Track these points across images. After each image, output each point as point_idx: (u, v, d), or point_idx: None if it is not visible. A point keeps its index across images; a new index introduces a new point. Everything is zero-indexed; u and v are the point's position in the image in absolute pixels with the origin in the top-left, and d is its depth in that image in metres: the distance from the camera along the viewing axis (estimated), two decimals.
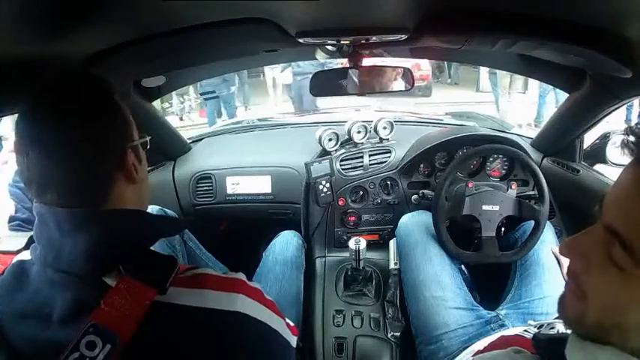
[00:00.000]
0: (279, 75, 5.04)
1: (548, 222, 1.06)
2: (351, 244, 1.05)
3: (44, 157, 0.46)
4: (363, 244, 1.05)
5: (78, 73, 0.55)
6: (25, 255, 0.52)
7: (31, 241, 0.50)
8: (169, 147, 1.36)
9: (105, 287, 0.45)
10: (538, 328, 0.67)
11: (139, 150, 0.55)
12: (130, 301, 0.44)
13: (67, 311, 0.45)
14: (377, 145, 1.31)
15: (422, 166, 1.28)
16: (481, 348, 0.73)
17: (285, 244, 1.15)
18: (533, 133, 1.34)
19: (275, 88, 5.51)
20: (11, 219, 1.06)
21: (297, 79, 4.23)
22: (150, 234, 0.53)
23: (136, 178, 0.53)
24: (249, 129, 1.76)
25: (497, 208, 1.05)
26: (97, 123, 0.50)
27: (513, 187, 1.08)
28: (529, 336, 0.63)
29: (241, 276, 0.55)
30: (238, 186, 1.35)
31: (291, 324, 0.63)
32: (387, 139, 1.30)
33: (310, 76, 0.94)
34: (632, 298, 0.33)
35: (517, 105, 4.28)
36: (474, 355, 0.67)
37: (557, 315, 0.72)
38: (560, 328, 0.63)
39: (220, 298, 0.49)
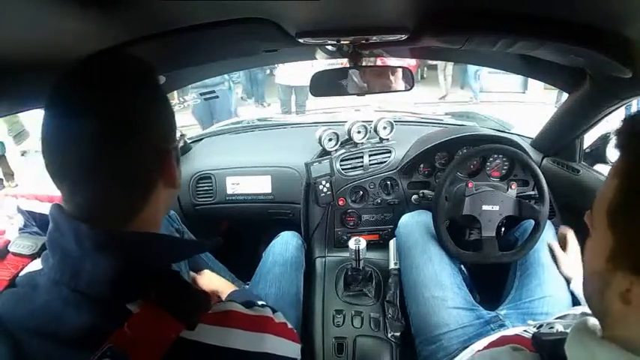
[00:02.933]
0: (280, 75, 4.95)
1: (548, 222, 1.06)
2: (351, 244, 1.06)
3: (77, 155, 0.42)
4: (363, 244, 1.05)
5: (120, 55, 0.48)
6: (36, 264, 0.48)
7: (44, 247, 0.46)
8: None
9: (127, 314, 0.41)
10: (537, 328, 0.67)
11: (178, 150, 0.51)
12: (154, 331, 0.41)
13: (82, 333, 0.41)
14: (377, 145, 1.31)
15: (422, 166, 1.28)
16: (481, 348, 0.73)
17: (285, 244, 1.15)
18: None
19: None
20: (21, 230, 1.03)
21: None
22: (177, 258, 0.50)
23: (176, 183, 0.49)
24: (249, 129, 1.75)
25: (497, 208, 1.05)
26: (145, 117, 0.44)
27: (513, 187, 1.08)
28: (528, 336, 0.63)
29: (268, 312, 0.53)
30: (238, 186, 1.35)
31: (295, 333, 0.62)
32: (387, 139, 1.30)
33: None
34: (592, 248, 0.41)
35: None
36: (473, 354, 0.67)
37: (556, 315, 0.72)
38: (560, 327, 0.63)
39: (248, 339, 0.47)
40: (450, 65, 6.19)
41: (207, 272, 0.98)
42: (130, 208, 0.45)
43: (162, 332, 0.41)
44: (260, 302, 0.57)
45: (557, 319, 0.70)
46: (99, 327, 0.41)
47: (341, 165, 1.28)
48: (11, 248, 0.54)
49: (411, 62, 5.87)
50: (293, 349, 0.56)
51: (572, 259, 1.00)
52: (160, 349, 0.41)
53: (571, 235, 1.04)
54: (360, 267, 1.10)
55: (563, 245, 1.04)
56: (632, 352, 0.35)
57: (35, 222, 0.66)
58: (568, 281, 0.97)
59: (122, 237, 0.44)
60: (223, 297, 0.89)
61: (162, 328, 0.41)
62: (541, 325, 0.66)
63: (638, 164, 0.36)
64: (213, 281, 0.96)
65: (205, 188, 1.36)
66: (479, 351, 0.66)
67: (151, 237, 0.46)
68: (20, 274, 0.49)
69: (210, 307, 0.46)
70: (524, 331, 0.68)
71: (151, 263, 0.45)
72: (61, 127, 0.42)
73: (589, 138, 1.16)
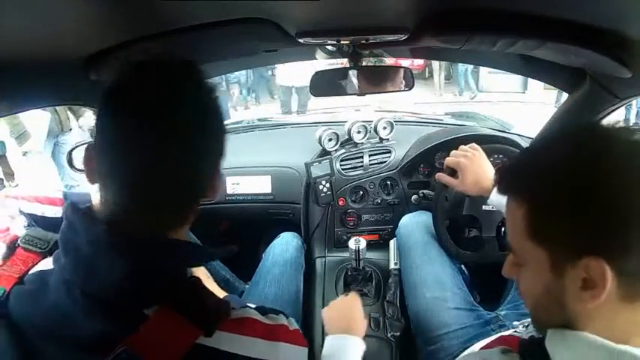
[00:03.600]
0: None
1: None
2: (351, 243, 1.05)
3: (126, 160, 0.42)
4: (362, 243, 1.05)
5: (181, 64, 0.46)
6: (47, 263, 0.47)
7: (56, 245, 0.46)
8: None
9: (143, 319, 0.41)
10: (525, 327, 0.67)
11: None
12: (170, 336, 0.40)
13: (93, 336, 0.40)
14: (377, 145, 1.31)
15: (422, 166, 1.28)
16: (478, 349, 0.73)
17: (285, 244, 1.15)
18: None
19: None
20: (26, 227, 1.02)
21: None
22: (192, 264, 0.50)
23: (215, 196, 0.49)
24: (249, 129, 1.75)
25: (496, 208, 1.05)
26: (201, 134, 0.44)
27: None
28: (521, 331, 0.63)
29: (282, 319, 0.53)
30: (238, 186, 1.35)
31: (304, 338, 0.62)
32: (387, 139, 1.30)
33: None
34: (532, 276, 0.43)
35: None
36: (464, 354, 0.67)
37: None
38: None
39: (264, 348, 0.47)
40: (443, 64, 6.31)
41: (198, 273, 0.98)
42: (171, 221, 0.46)
43: (178, 337, 0.41)
44: (270, 307, 0.57)
45: None
46: (110, 331, 0.40)
47: (341, 165, 1.28)
48: (21, 243, 0.53)
49: (418, 61, 5.95)
50: (303, 353, 0.56)
51: (472, 177, 0.92)
52: (175, 354, 0.40)
53: (463, 157, 0.94)
54: (360, 267, 1.10)
55: (455, 171, 0.95)
56: (609, 339, 0.36)
57: (37, 225, 0.65)
58: (485, 199, 0.91)
59: (137, 240, 0.43)
60: None
61: (178, 333, 0.41)
62: (526, 325, 0.67)
63: (538, 194, 0.40)
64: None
65: None
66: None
67: (168, 242, 0.46)
68: (30, 271, 0.48)
69: (229, 314, 0.46)
70: (515, 331, 0.68)
71: (167, 269, 0.45)
72: (113, 128, 0.42)
73: None
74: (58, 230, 0.45)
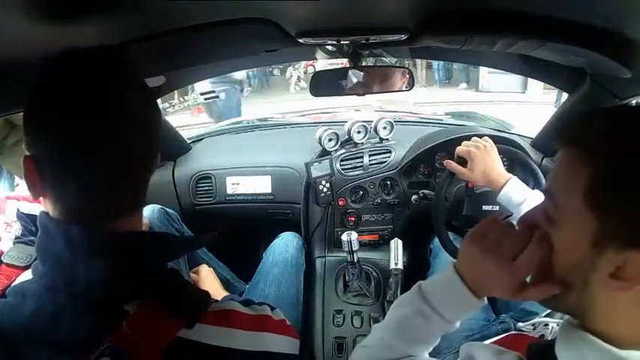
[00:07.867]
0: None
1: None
2: (344, 237, 1.05)
3: (64, 162, 0.41)
4: (354, 235, 1.05)
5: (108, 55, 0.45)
6: (28, 274, 0.47)
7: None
8: (169, 147, 1.36)
9: (126, 314, 0.42)
10: (533, 326, 0.67)
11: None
12: (153, 329, 0.41)
13: (81, 337, 0.41)
14: (377, 145, 1.31)
15: (422, 166, 1.27)
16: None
17: (285, 245, 1.15)
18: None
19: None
20: (17, 239, 1.02)
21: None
22: (172, 256, 0.51)
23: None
24: (249, 129, 1.76)
25: (497, 208, 1.05)
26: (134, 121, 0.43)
27: None
28: (528, 330, 0.63)
29: (266, 310, 0.54)
30: (238, 186, 1.35)
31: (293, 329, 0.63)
32: (387, 139, 1.30)
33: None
34: (566, 239, 0.39)
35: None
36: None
37: (548, 311, 0.72)
38: (554, 324, 0.63)
39: (248, 339, 0.48)
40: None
41: (204, 271, 0.98)
42: (119, 210, 0.45)
43: (161, 331, 0.41)
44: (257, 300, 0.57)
45: (547, 315, 0.69)
46: (98, 330, 0.40)
47: (341, 165, 1.28)
48: (4, 259, 0.54)
49: None
50: (292, 344, 0.56)
51: (482, 167, 0.94)
52: (159, 347, 0.41)
53: (474, 146, 0.96)
54: (355, 260, 1.10)
55: (465, 160, 0.97)
56: (620, 346, 0.35)
57: (35, 227, 0.66)
58: (497, 190, 0.92)
59: (113, 237, 0.43)
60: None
61: (161, 326, 0.41)
62: (534, 325, 0.66)
63: (610, 150, 0.35)
64: (206, 283, 0.96)
65: (205, 188, 1.36)
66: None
67: (144, 235, 0.47)
68: (12, 284, 0.48)
69: (209, 305, 0.46)
70: (522, 331, 0.68)
71: (147, 262, 0.45)
72: (38, 126, 0.42)
73: None
74: None
